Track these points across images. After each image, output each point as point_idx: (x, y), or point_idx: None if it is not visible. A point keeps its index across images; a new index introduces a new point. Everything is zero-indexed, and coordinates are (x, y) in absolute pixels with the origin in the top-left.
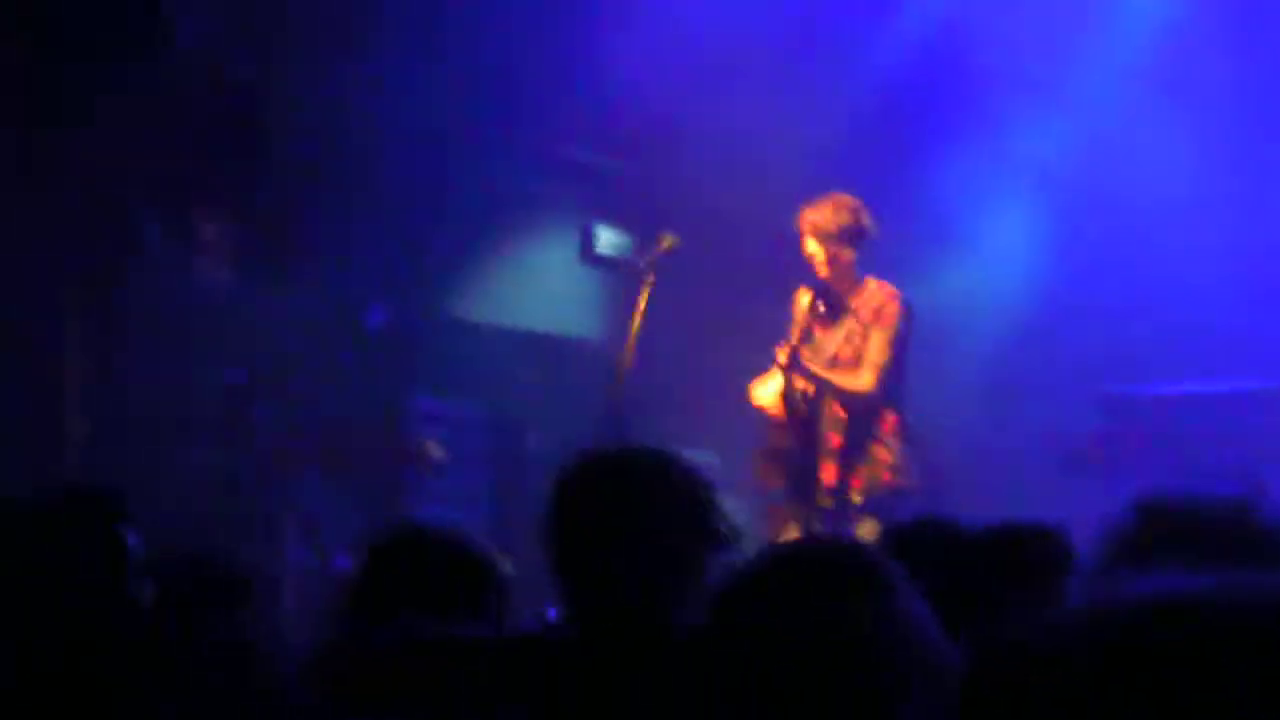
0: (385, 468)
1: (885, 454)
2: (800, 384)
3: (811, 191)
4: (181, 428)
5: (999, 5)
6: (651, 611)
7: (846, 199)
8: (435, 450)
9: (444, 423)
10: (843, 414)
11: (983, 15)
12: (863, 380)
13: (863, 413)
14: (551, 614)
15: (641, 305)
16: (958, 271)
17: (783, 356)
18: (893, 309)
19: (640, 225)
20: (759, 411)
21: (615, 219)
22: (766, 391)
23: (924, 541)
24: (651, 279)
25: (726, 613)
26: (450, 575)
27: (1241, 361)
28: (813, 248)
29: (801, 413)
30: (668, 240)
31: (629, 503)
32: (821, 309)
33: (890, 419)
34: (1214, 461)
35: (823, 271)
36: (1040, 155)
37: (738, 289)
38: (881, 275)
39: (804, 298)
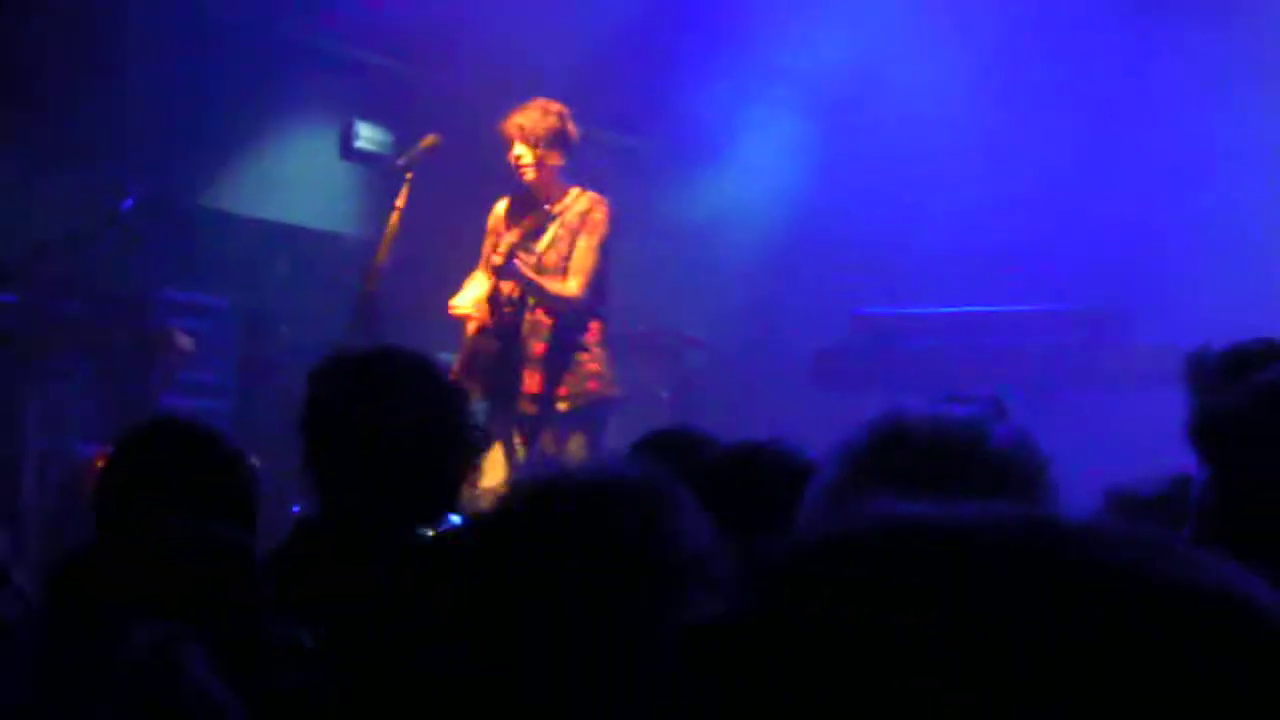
0: (133, 356)
1: (592, 362)
2: (506, 289)
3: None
4: None
5: None
6: (399, 509)
7: (554, 104)
8: (183, 340)
9: (194, 313)
10: (547, 321)
11: None
12: (570, 286)
13: (569, 320)
14: (295, 509)
15: (399, 203)
16: (718, 187)
17: (499, 258)
18: (600, 215)
19: (403, 124)
20: (458, 318)
21: (378, 116)
22: (466, 297)
23: (669, 454)
24: (410, 177)
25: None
26: (198, 469)
27: (996, 287)
28: (520, 151)
29: (505, 319)
30: (429, 139)
31: (380, 401)
32: (521, 215)
33: (595, 326)
34: (961, 382)
35: (529, 175)
36: (806, 72)
37: (494, 195)
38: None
39: (500, 205)
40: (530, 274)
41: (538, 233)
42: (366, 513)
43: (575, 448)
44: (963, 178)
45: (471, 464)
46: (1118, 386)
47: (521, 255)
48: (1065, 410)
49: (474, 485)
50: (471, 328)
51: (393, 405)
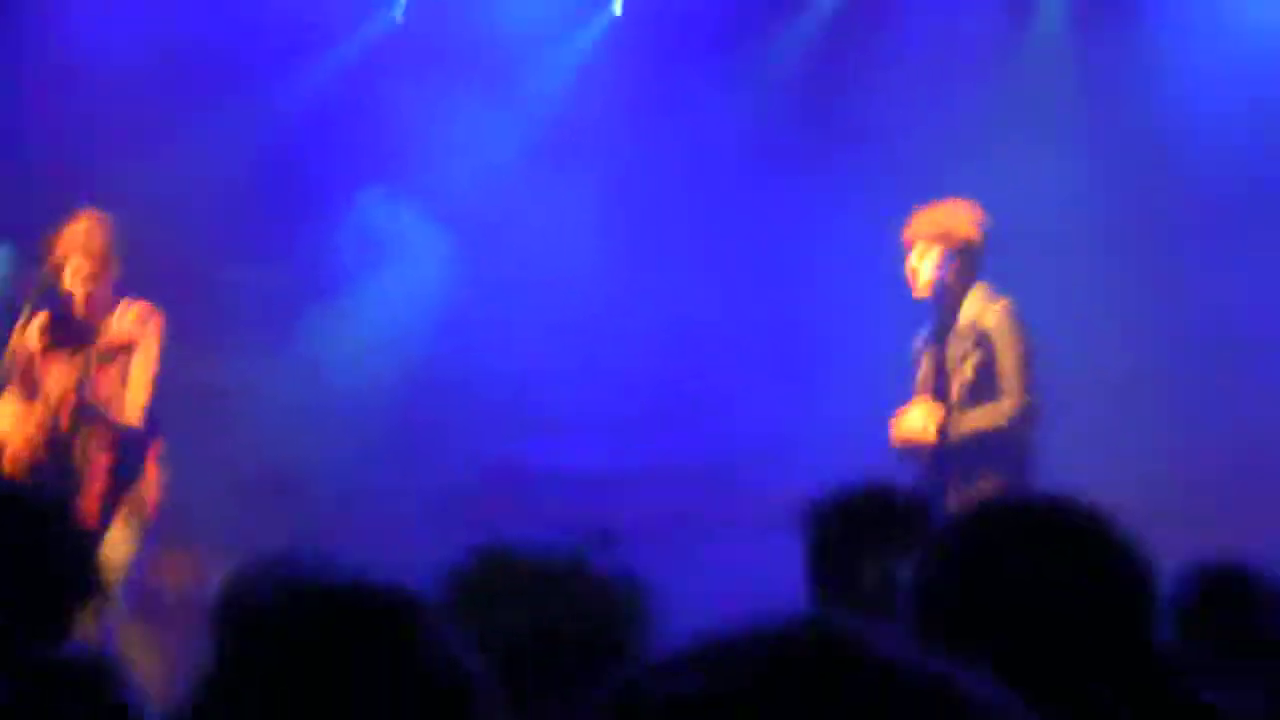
0: None
1: (148, 488)
2: (66, 416)
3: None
4: None
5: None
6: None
7: (105, 217)
8: None
9: None
10: (105, 441)
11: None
12: (135, 399)
13: (129, 445)
14: None
15: (19, 330)
16: (338, 322)
17: (60, 374)
18: (154, 327)
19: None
20: None
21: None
22: (7, 417)
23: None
24: (29, 304)
25: None
26: None
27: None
28: (77, 264)
29: (64, 439)
30: (45, 267)
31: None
32: (66, 334)
33: (154, 445)
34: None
35: (81, 293)
36: (434, 201)
37: None
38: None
39: (36, 321)
40: (98, 397)
41: (91, 360)
42: None
43: (128, 556)
44: (583, 322)
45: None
46: (729, 535)
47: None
48: (679, 555)
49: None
50: (13, 456)
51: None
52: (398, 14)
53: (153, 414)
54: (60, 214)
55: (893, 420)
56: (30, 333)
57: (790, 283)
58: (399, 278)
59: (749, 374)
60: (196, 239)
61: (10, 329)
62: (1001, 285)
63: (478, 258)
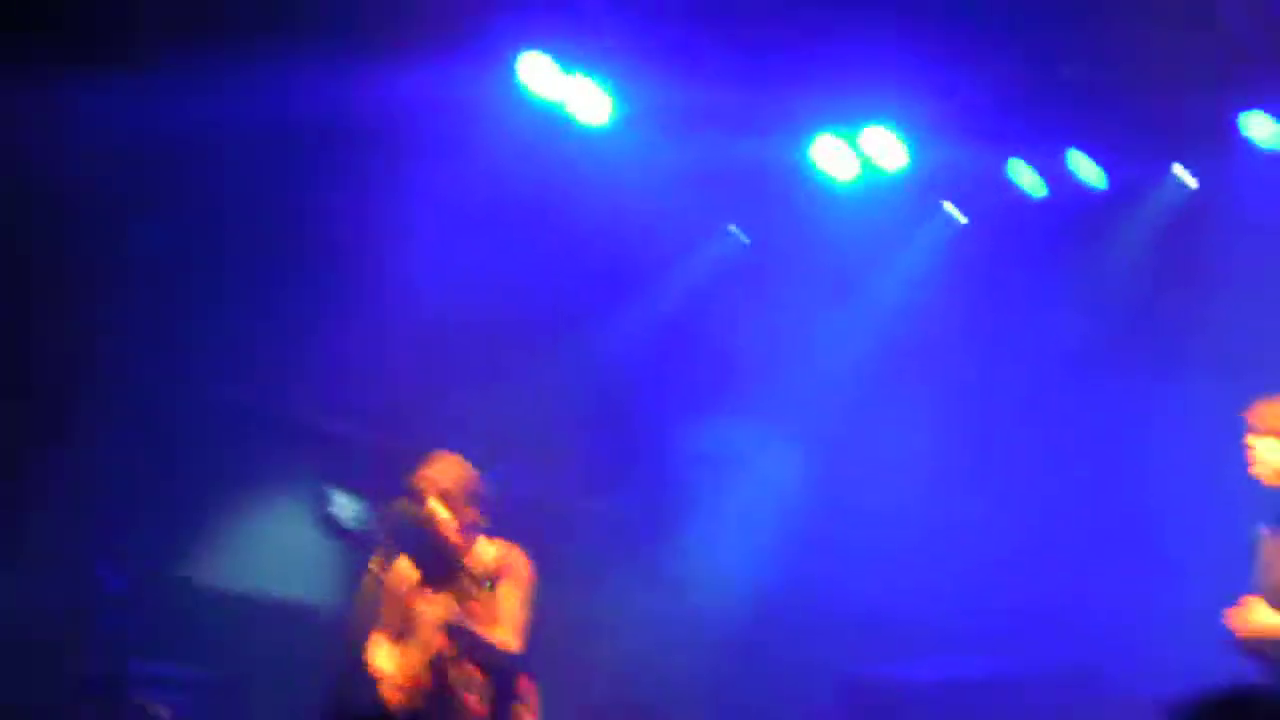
0: None
1: (527, 715)
2: (446, 649)
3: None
4: None
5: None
6: None
7: (460, 458)
8: (161, 715)
9: (172, 687)
10: (480, 676)
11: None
12: (506, 635)
13: (504, 673)
14: None
15: (375, 572)
16: (696, 546)
17: (438, 613)
18: (522, 564)
19: (378, 492)
20: (375, 681)
21: (352, 485)
22: (385, 657)
23: None
24: (386, 545)
25: None
26: None
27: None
28: (435, 506)
29: (441, 676)
30: (404, 506)
31: None
32: (433, 571)
33: (526, 679)
34: None
35: (444, 532)
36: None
37: None
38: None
39: (401, 562)
40: (475, 627)
41: (466, 594)
42: None
43: None
44: (934, 542)
45: None
46: None
47: (456, 612)
48: None
49: None
50: (396, 695)
51: None
52: (741, 234)
53: (525, 651)
54: (417, 453)
55: (1233, 612)
56: (399, 572)
57: (1129, 483)
58: (750, 497)
59: (1098, 577)
60: (548, 472)
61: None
62: None
63: (823, 472)
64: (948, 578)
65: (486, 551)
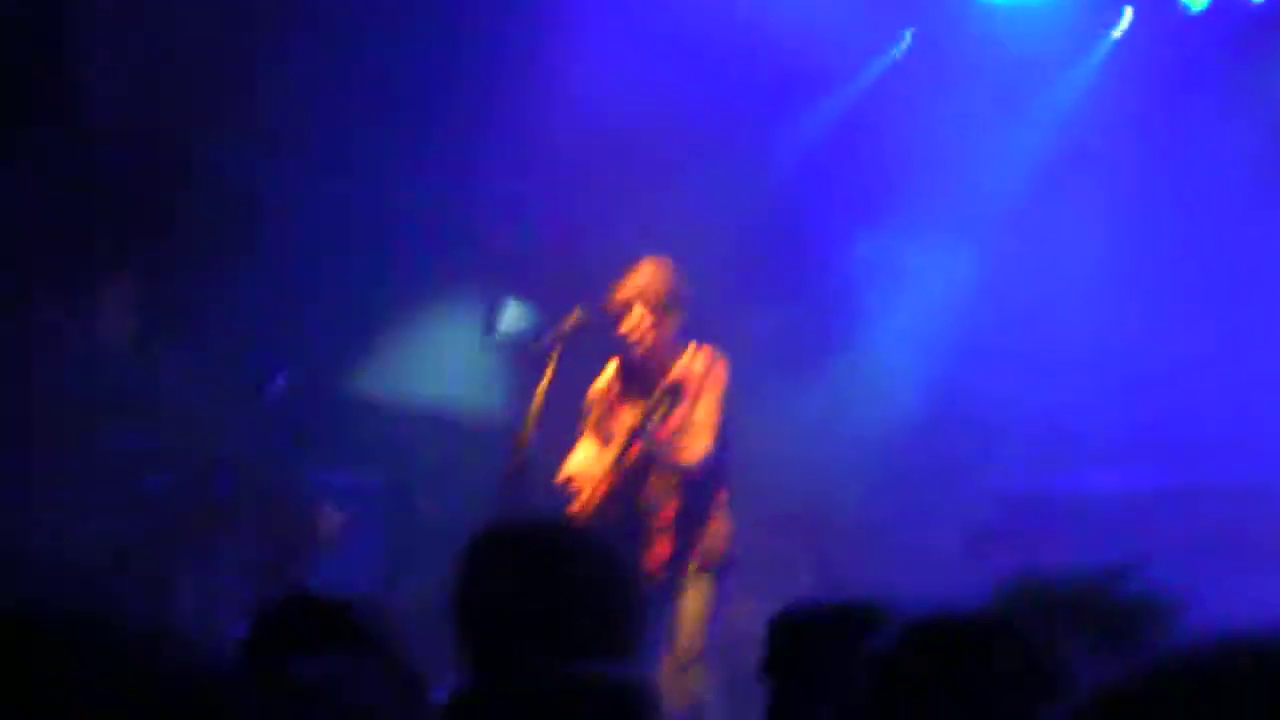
0: (283, 537)
1: (721, 524)
2: (633, 458)
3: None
4: (79, 492)
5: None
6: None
7: (665, 260)
8: (332, 521)
9: (342, 495)
10: (674, 485)
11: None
12: (700, 444)
13: (700, 481)
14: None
15: (545, 382)
16: (853, 357)
17: (629, 420)
18: (720, 370)
19: (548, 301)
20: (564, 483)
21: (522, 293)
22: (578, 467)
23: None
24: (555, 355)
25: None
26: (334, 644)
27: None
28: (638, 316)
29: (631, 484)
30: (575, 316)
31: (537, 577)
32: (636, 380)
33: (723, 488)
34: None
35: (647, 341)
36: (952, 237)
37: None
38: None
39: (610, 368)
40: (663, 438)
41: (659, 404)
42: (524, 689)
43: (704, 610)
44: (1107, 354)
45: (639, 635)
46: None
47: (645, 420)
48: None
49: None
50: (587, 500)
51: (554, 580)
52: (898, 51)
53: (720, 461)
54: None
55: None
56: (604, 379)
57: None
58: (920, 309)
59: (1271, 396)
60: (716, 286)
61: (540, 377)
62: None
63: (992, 285)
64: (1120, 389)
65: (693, 362)
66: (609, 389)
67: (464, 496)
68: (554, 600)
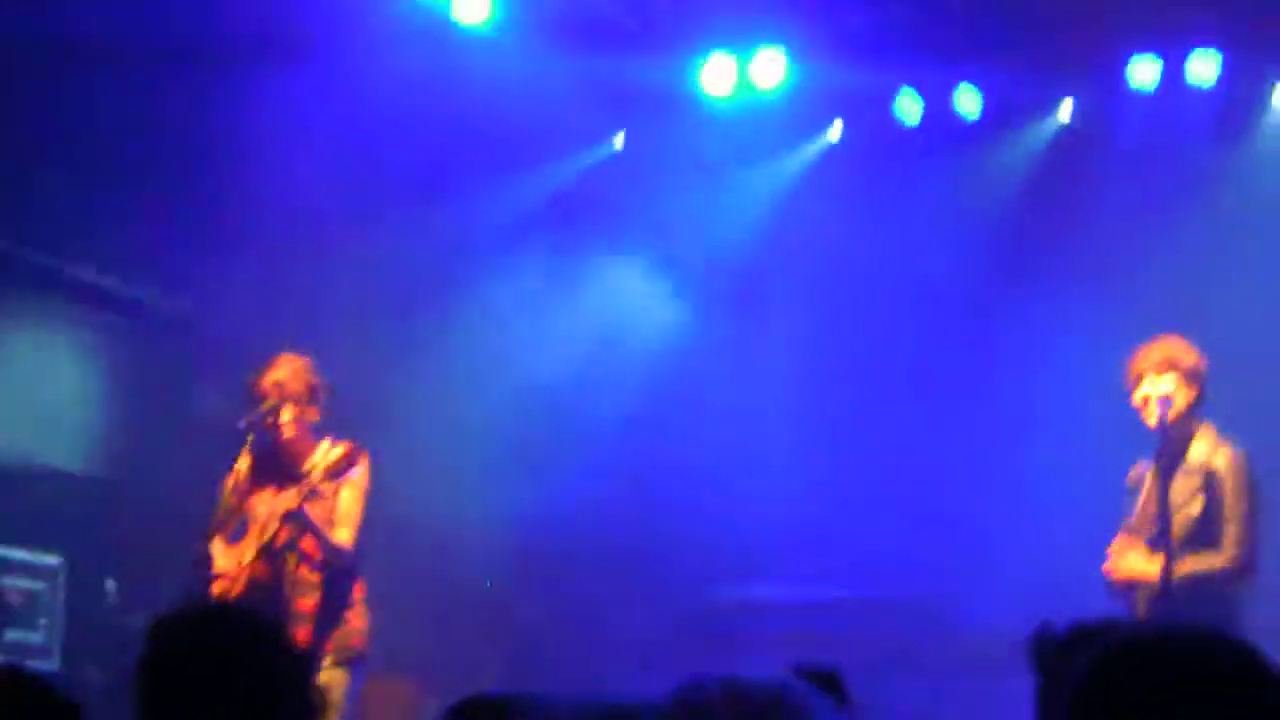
0: None
1: (356, 620)
2: (281, 541)
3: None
4: None
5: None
6: None
7: (301, 358)
8: (12, 598)
9: (21, 570)
10: (313, 576)
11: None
12: (341, 537)
13: (338, 574)
14: None
15: (239, 464)
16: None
17: (265, 509)
18: (361, 465)
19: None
20: (208, 572)
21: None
22: (225, 553)
23: None
24: (251, 438)
25: None
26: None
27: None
28: (277, 407)
29: (270, 572)
30: (271, 403)
31: (222, 660)
32: (270, 472)
33: (359, 582)
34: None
35: (288, 432)
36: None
37: None
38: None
39: (242, 463)
40: (314, 522)
41: (308, 490)
42: None
43: (338, 702)
44: (784, 459)
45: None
46: (943, 674)
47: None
48: (895, 697)
49: None
50: (224, 588)
51: (233, 669)
52: (617, 142)
53: (359, 549)
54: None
55: (1111, 554)
56: (236, 472)
57: (1002, 407)
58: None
59: (963, 506)
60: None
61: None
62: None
63: (685, 390)
64: (805, 503)
65: (330, 453)
66: (243, 482)
67: (148, 577)
68: (231, 685)
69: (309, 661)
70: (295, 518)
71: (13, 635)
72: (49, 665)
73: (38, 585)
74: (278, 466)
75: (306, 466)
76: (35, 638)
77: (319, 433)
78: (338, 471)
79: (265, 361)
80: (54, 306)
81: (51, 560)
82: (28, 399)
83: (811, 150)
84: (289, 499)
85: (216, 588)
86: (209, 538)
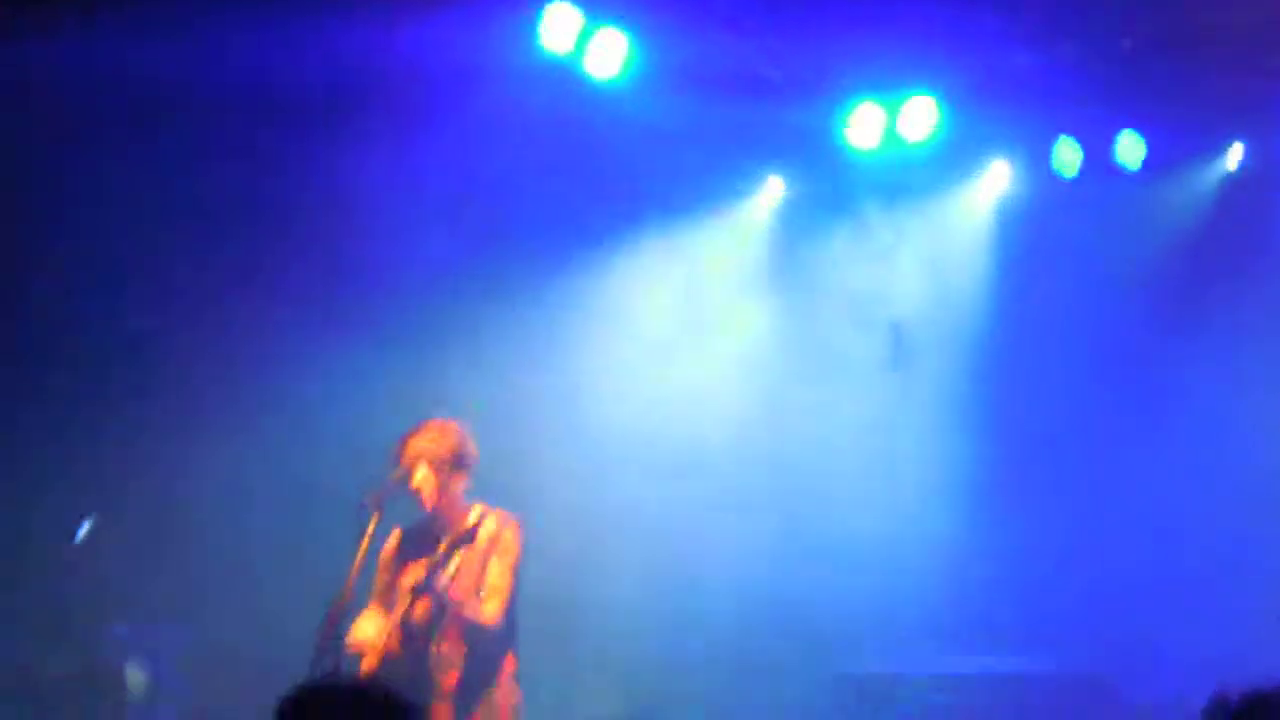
0: (84, 697)
1: (503, 697)
2: (418, 617)
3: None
4: None
5: None
6: None
7: (451, 423)
8: (135, 679)
9: (146, 651)
10: (458, 651)
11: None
12: (489, 610)
13: (484, 649)
14: None
15: (364, 543)
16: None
17: (413, 580)
18: (510, 535)
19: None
20: (351, 652)
21: None
22: (366, 628)
23: None
24: (376, 517)
25: None
26: None
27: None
28: (424, 475)
29: (414, 651)
30: (396, 474)
31: None
32: (420, 544)
33: (510, 656)
34: None
35: (432, 501)
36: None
37: None
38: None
39: (393, 538)
40: (452, 595)
41: (444, 561)
42: None
43: None
44: (940, 531)
45: None
46: None
47: (436, 581)
48: None
49: None
50: (370, 663)
51: None
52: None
53: (510, 623)
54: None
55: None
56: (389, 544)
57: (1173, 471)
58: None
59: (1118, 578)
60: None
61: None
62: None
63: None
64: (957, 573)
65: (482, 523)
66: (393, 554)
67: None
68: None
69: None
70: (425, 590)
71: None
72: None
73: (159, 665)
74: (428, 535)
75: (454, 534)
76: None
77: (466, 501)
78: (486, 543)
79: (414, 427)
80: None
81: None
82: None
83: (967, 199)
84: (419, 571)
85: (364, 662)
86: (336, 612)
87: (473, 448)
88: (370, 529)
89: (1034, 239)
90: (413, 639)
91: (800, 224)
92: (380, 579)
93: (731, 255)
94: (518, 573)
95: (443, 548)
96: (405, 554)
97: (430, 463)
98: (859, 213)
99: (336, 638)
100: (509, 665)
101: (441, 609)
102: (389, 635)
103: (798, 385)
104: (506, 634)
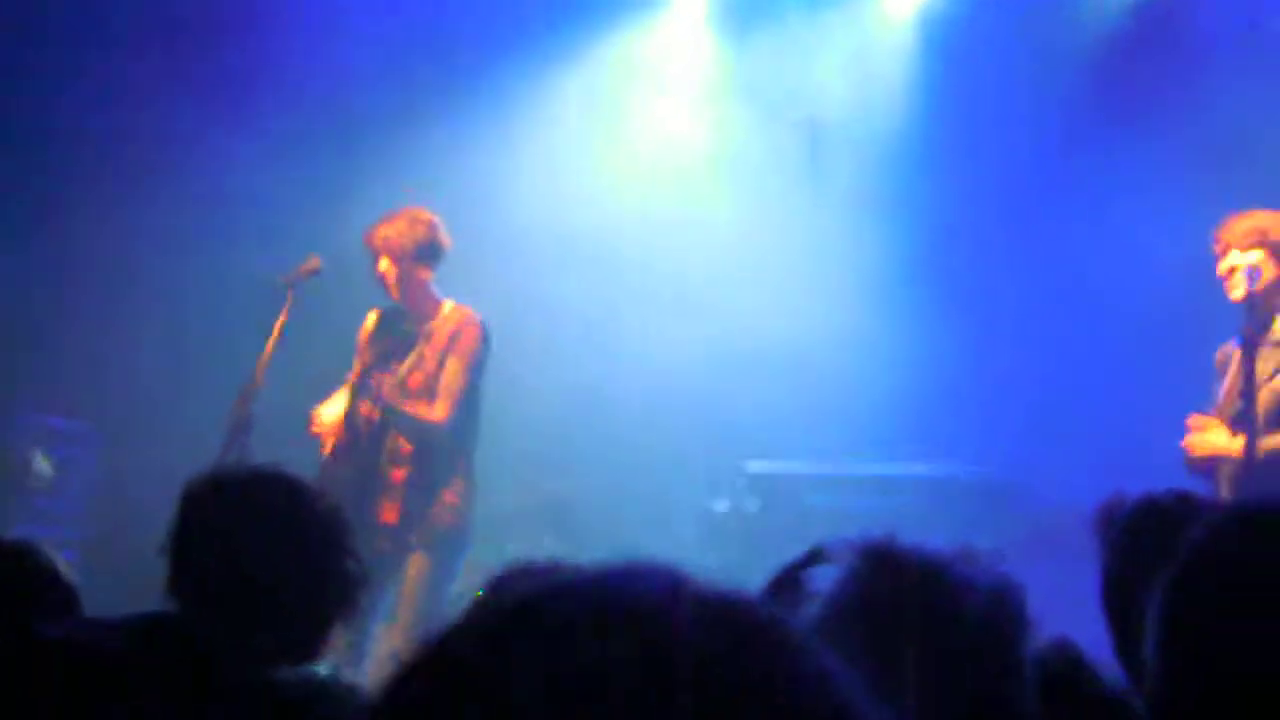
0: None
1: (451, 496)
2: (365, 410)
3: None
4: None
5: None
6: (264, 643)
7: (423, 212)
8: (43, 466)
9: (56, 438)
10: (407, 448)
11: None
12: (436, 411)
13: (431, 448)
14: None
15: (278, 325)
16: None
17: (352, 375)
18: (471, 334)
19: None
20: (316, 437)
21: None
22: (327, 414)
23: None
24: (291, 296)
25: None
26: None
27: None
28: (385, 266)
29: (362, 441)
30: (311, 261)
31: (255, 526)
32: (390, 331)
33: (459, 459)
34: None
35: (395, 292)
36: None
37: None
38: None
39: (370, 318)
40: (389, 396)
41: (402, 351)
42: (228, 644)
43: (427, 583)
44: (852, 328)
45: (350, 600)
46: (1020, 556)
47: (380, 376)
48: None
49: (349, 622)
50: (327, 449)
51: (268, 531)
52: None
53: (461, 423)
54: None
55: (1190, 431)
56: (364, 327)
57: (1074, 282)
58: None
59: (1030, 376)
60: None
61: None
62: None
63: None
64: (873, 377)
65: (449, 319)
66: (368, 336)
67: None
68: (266, 555)
69: (342, 526)
70: (361, 388)
71: (47, 503)
72: (78, 532)
73: (70, 452)
74: (394, 326)
75: (422, 328)
76: (66, 505)
77: (432, 294)
78: (423, 334)
79: (385, 214)
80: None
81: (84, 425)
82: None
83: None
84: (391, 366)
85: (319, 436)
86: (249, 393)
87: (444, 238)
88: (284, 311)
89: (957, 40)
90: (358, 431)
91: (724, 24)
92: (356, 361)
93: (652, 56)
94: (473, 373)
95: (390, 342)
96: (375, 338)
97: (390, 253)
98: (780, 13)
99: (246, 419)
100: (459, 464)
101: (384, 408)
102: (339, 427)
103: (714, 185)
104: (455, 433)
